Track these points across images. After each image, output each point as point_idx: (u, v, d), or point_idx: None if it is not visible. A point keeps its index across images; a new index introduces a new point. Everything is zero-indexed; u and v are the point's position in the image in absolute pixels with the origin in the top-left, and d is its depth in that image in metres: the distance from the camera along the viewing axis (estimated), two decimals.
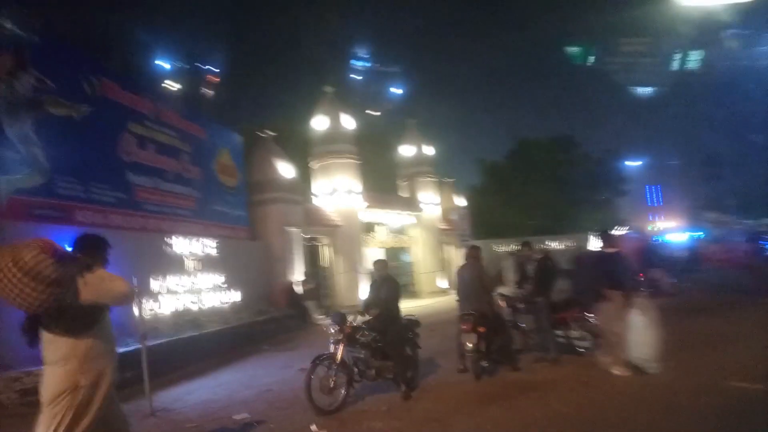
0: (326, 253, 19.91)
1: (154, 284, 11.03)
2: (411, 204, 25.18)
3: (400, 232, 25.23)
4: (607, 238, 7.16)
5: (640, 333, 6.50)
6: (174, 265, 11.75)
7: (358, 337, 6.46)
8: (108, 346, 3.65)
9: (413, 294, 24.59)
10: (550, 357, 7.77)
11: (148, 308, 10.59)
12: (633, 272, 6.82)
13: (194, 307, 12.20)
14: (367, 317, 6.83)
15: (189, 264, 12.35)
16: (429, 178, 26.12)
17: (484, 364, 7.20)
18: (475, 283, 7.47)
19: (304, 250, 17.96)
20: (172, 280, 11.59)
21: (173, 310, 11.41)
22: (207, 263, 12.96)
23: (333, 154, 20.23)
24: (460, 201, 29.49)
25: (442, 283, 25.65)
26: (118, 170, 10.79)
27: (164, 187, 12.19)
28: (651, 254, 16.10)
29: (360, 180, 20.84)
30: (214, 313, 12.69)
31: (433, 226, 25.75)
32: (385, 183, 28.27)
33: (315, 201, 20.29)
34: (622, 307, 6.51)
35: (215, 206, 14.41)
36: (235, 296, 14.16)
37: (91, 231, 4.23)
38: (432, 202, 25.92)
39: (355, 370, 6.46)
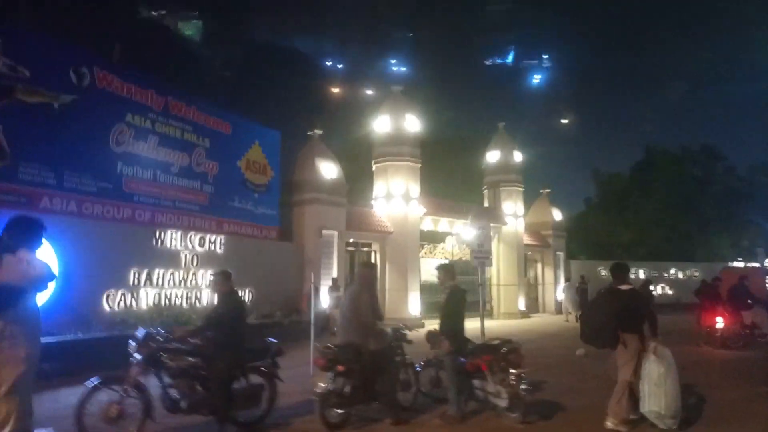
0: (376, 261, 18.86)
1: (133, 276, 10.96)
2: (490, 214, 23.10)
3: None
4: (618, 273, 6.17)
5: (655, 383, 5.63)
6: (162, 258, 11.62)
7: (165, 360, 5.40)
8: (24, 330, 3.61)
9: (487, 313, 22.55)
10: (449, 413, 6.04)
11: (117, 300, 10.51)
12: (651, 313, 5.97)
13: (185, 303, 12.00)
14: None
15: (184, 259, 12.18)
16: (514, 188, 23.81)
17: (338, 411, 5.74)
18: (353, 309, 6.04)
19: (345, 256, 17.14)
20: (158, 274, 11.46)
21: (153, 304, 11.26)
22: (209, 260, 12.72)
23: (391, 157, 19.14)
24: (557, 215, 26.56)
25: (522, 304, 23.22)
26: (105, 160, 10.88)
27: (165, 180, 12.14)
28: (746, 292, 12.79)
29: (419, 185, 19.48)
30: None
31: (515, 240, 23.40)
32: (464, 190, 26.56)
33: (374, 205, 19.38)
34: (636, 353, 5.72)
35: (235, 203, 14.18)
36: (246, 297, 13.81)
37: (27, 214, 4.36)
38: (516, 214, 23.56)
39: (172, 397, 5.43)
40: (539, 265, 25.98)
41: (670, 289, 27.02)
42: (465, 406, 6.19)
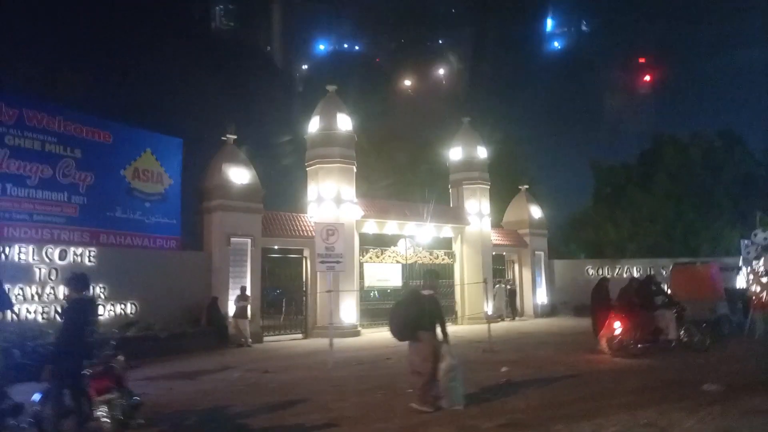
0: (307, 268, 18.02)
1: None
2: (449, 215, 21.80)
3: (438, 246, 22.00)
4: (428, 280, 7.30)
5: (447, 376, 6.56)
6: (7, 273, 11.32)
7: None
8: None
9: (452, 318, 21.24)
10: None
11: None
12: (442, 318, 6.90)
13: (40, 318, 11.68)
14: None
15: (38, 273, 11.86)
16: (478, 185, 22.33)
17: None
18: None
19: (259, 264, 16.44)
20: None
21: None
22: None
23: (321, 159, 18.32)
24: (536, 212, 24.75)
25: (490, 308, 21.65)
26: None
27: (17, 193, 11.90)
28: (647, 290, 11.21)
29: (353, 187, 18.54)
30: None
31: (480, 241, 21.91)
32: (438, 190, 25.24)
33: (308, 210, 18.59)
34: (431, 347, 6.61)
35: (117, 213, 13.81)
36: (126, 309, 13.41)
37: None
38: (481, 213, 22.08)
39: None
40: (516, 266, 24.26)
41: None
42: None
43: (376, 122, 30.43)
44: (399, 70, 43.35)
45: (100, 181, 13.46)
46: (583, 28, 45.81)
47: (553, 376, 8.89)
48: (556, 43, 46.17)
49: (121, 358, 5.67)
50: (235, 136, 16.80)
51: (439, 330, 6.78)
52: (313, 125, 18.74)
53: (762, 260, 13.52)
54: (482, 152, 22.71)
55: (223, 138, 16.81)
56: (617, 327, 10.70)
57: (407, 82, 43.55)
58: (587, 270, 24.70)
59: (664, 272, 24.92)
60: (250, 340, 14.89)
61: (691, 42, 38.76)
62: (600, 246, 26.18)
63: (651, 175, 28.24)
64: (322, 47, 47.23)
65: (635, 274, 24.40)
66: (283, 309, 19.11)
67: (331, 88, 19.39)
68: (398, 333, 6.87)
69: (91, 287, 5.06)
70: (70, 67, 26.18)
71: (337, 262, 10.93)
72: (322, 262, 10.69)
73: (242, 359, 12.21)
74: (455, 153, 22.84)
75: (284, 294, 18.73)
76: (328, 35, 45.63)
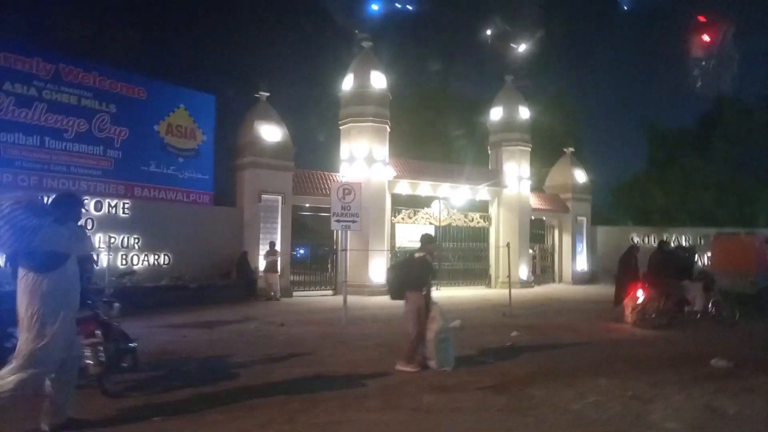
0: None
1: None
2: (486, 177, 21.33)
3: (474, 209, 21.68)
4: (422, 243, 7.21)
5: (437, 336, 6.58)
6: None
7: None
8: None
9: (486, 282, 21.13)
10: None
11: None
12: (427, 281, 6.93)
13: None
14: None
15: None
16: (518, 147, 21.65)
17: None
18: None
19: (289, 221, 16.73)
20: None
21: None
22: (109, 224, 12.97)
23: (354, 118, 18.18)
24: (580, 176, 23.86)
25: (525, 273, 21.36)
26: None
27: (55, 146, 12.46)
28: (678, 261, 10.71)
29: (386, 147, 18.36)
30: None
31: (518, 205, 21.41)
32: (475, 151, 24.73)
33: (340, 169, 18.63)
34: (416, 307, 6.65)
35: (151, 168, 14.28)
36: (160, 260, 14.01)
37: (70, 192, 5.07)
38: (520, 176, 21.50)
39: None
40: (556, 232, 23.65)
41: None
42: None
43: (420, 83, 29.87)
44: (448, 28, 41.94)
45: (134, 136, 13.90)
46: None
47: (562, 342, 8.70)
48: None
49: (116, 304, 5.94)
50: (268, 93, 16.89)
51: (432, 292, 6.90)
52: (347, 83, 18.54)
53: None
54: (524, 113, 21.92)
55: (255, 95, 16.96)
56: (640, 296, 10.31)
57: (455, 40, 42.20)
58: (632, 237, 23.75)
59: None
60: (279, 294, 15.30)
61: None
62: (647, 213, 25.05)
63: (708, 140, 26.59)
64: (375, 7, 46.38)
65: (684, 243, 23.46)
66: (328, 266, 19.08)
67: (366, 44, 19.02)
68: (391, 292, 7.22)
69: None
70: (106, 24, 26.81)
71: (353, 221, 10.90)
72: (338, 221, 10.70)
73: (265, 312, 12.57)
74: (496, 113, 22.16)
75: (328, 252, 18.80)
76: None
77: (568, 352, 7.99)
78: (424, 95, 29.47)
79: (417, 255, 7.07)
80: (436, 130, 28.46)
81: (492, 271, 21.40)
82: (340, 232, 18.10)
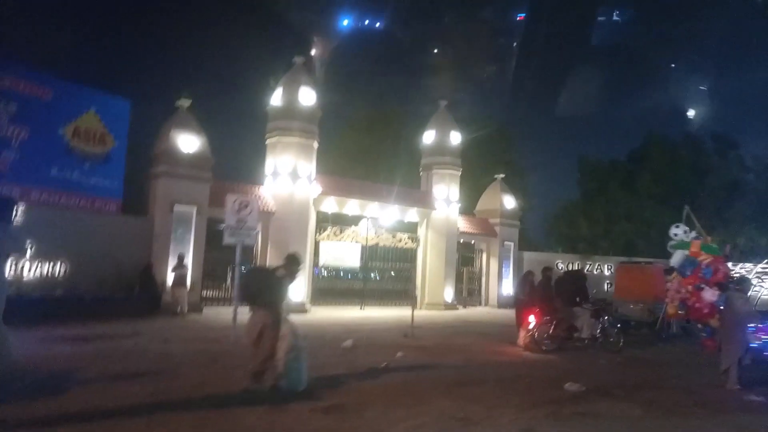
0: (258, 240, 17.80)
1: None
2: (415, 198, 21.44)
3: (403, 230, 21.70)
4: (288, 262, 6.90)
5: (285, 353, 6.35)
6: None
7: None
8: None
9: (408, 303, 20.99)
10: None
11: None
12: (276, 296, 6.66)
13: None
14: None
15: None
16: (448, 170, 21.88)
17: None
18: None
19: (203, 233, 16.27)
20: None
21: None
22: None
23: (280, 132, 17.97)
24: (509, 202, 24.28)
25: (449, 295, 21.41)
26: None
27: None
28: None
29: (313, 164, 18.20)
30: None
31: (446, 227, 21.54)
32: (409, 173, 24.89)
33: (264, 183, 18.33)
34: (260, 321, 6.41)
35: (53, 172, 13.65)
36: (54, 269, 13.33)
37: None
38: (449, 199, 21.68)
39: None
40: (485, 255, 23.91)
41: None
42: None
43: (360, 103, 30.05)
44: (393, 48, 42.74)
45: (35, 138, 13.28)
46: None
47: (441, 363, 8.63)
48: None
49: None
50: (189, 102, 16.50)
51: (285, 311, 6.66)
52: (276, 97, 18.37)
53: (672, 258, 12.62)
54: (455, 138, 22.22)
55: (177, 104, 16.56)
56: (531, 321, 10.39)
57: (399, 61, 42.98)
58: (557, 264, 24.21)
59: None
60: (186, 309, 14.74)
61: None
62: (573, 240, 25.68)
63: (636, 174, 27.64)
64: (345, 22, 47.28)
65: (606, 272, 24.13)
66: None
67: (298, 59, 18.98)
68: (245, 297, 6.97)
69: None
70: (21, 21, 25.82)
71: (248, 236, 10.64)
72: (231, 235, 10.39)
73: (160, 327, 12.03)
74: (428, 136, 22.40)
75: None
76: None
77: (439, 373, 7.90)
78: (364, 116, 29.65)
79: (279, 273, 6.78)
80: (374, 150, 28.58)
81: (418, 292, 21.37)
82: (261, 246, 18.02)
